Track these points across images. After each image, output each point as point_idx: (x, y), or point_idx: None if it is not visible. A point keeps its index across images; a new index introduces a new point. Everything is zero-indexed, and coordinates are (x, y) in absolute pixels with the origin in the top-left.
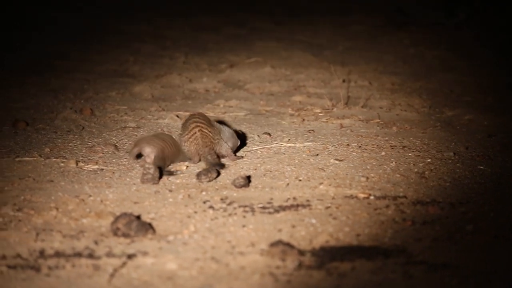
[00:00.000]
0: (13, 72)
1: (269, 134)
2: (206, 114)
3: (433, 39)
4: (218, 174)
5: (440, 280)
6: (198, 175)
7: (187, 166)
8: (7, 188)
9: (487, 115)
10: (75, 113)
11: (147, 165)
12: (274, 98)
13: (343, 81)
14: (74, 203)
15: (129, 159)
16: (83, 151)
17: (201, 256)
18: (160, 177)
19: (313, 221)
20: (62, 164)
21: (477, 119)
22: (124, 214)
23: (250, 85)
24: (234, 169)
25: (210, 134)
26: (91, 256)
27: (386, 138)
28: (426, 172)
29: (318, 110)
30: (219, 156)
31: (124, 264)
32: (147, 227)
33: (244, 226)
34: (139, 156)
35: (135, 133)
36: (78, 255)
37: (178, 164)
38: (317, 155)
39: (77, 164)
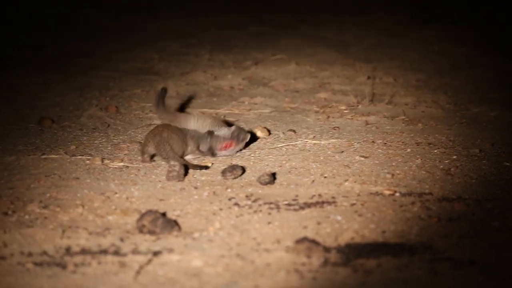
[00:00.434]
0: (38, 70)
1: (294, 131)
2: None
3: (458, 36)
4: (244, 171)
5: (467, 277)
6: (223, 172)
7: (212, 163)
8: (33, 185)
9: None
10: (101, 110)
11: (172, 162)
12: (299, 95)
13: (368, 78)
14: (100, 201)
15: (145, 162)
16: (109, 148)
17: (226, 253)
18: (186, 174)
19: (339, 218)
20: (87, 161)
21: (502, 116)
22: (150, 211)
23: (275, 82)
24: (259, 166)
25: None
26: (117, 253)
27: (412, 135)
28: (452, 169)
29: (343, 107)
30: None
31: (149, 261)
32: (173, 224)
33: (269, 223)
34: (152, 157)
35: None
36: (104, 252)
37: (203, 161)
38: (342, 152)
39: (102, 162)
